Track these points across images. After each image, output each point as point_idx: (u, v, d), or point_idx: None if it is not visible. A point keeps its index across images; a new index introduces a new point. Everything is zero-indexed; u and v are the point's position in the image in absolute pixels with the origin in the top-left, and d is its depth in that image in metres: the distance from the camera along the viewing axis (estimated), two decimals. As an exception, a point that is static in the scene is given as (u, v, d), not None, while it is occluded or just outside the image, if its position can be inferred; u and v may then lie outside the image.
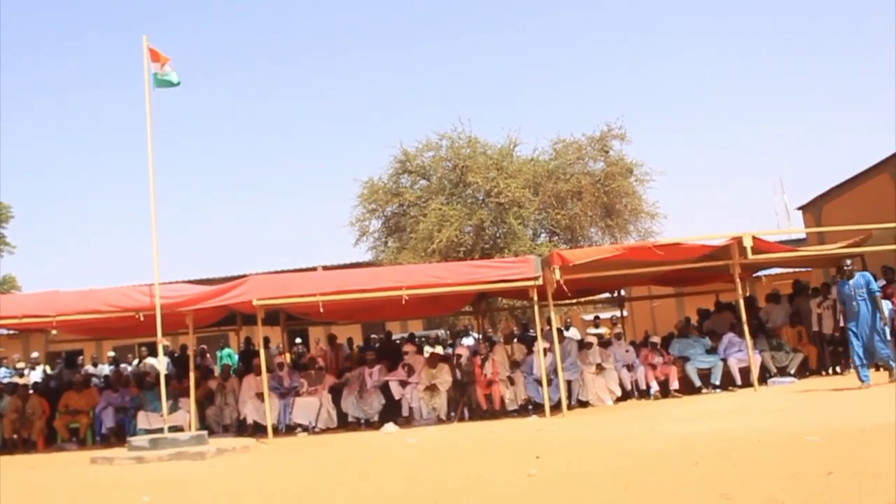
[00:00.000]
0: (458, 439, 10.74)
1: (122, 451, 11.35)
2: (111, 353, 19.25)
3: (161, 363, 13.44)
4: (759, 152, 70.58)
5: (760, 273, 18.51)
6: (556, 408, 12.89)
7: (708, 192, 70.37)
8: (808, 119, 71.38)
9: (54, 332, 13.91)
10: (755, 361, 13.44)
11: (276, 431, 13.12)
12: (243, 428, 13.70)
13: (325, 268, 25.59)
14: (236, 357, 18.26)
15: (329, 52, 75.22)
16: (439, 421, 13.39)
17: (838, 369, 14.61)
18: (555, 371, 13.14)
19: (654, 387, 14.17)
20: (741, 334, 13.60)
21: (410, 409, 13.68)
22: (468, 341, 18.52)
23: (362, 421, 13.72)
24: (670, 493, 5.69)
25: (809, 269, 20.59)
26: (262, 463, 9.99)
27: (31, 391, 14.90)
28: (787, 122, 71.39)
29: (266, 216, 70.77)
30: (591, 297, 19.91)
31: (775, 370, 14.16)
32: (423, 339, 20.91)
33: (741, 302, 13.44)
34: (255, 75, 73.47)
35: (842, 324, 12.53)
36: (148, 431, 12.98)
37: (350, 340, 18.68)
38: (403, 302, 12.92)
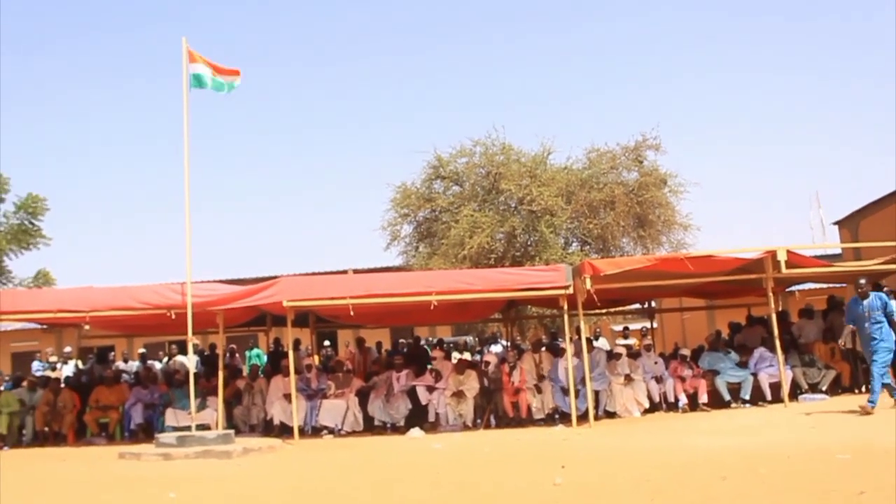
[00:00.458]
0: (484, 446, 10.72)
1: (149, 448, 11.45)
2: (142, 350, 19.44)
3: (191, 361, 13.55)
4: (796, 166, 69.87)
5: (794, 288, 18.31)
6: (583, 418, 12.80)
7: (742, 205, 69.75)
8: (846, 133, 70.59)
9: (87, 327, 14.07)
10: (786, 377, 13.28)
11: (303, 433, 13.15)
12: (270, 428, 13.76)
13: (356, 271, 25.68)
14: (265, 357, 18.36)
15: (366, 56, 75.63)
16: (465, 427, 13.36)
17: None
18: (583, 381, 13.07)
19: (683, 399, 14.03)
20: (773, 349, 13.44)
21: (437, 414, 13.66)
22: (496, 348, 18.46)
23: (388, 425, 13.72)
24: (697, 507, 5.63)
25: (844, 285, 20.31)
26: (287, 464, 10.02)
27: (62, 385, 15.07)
28: (824, 136, 70.63)
29: (298, 218, 71.20)
30: (621, 308, 19.78)
31: (807, 386, 13.96)
32: (451, 345, 20.90)
33: (773, 316, 13.28)
34: (292, 77, 74.04)
35: (846, 345, 12.44)
36: (176, 429, 13.08)
37: (379, 344, 18.72)
38: (433, 307, 12.91)
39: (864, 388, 14.47)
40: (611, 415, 13.68)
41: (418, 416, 13.69)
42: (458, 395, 13.54)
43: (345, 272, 25.53)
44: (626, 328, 20.46)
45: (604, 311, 18.18)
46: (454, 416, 13.51)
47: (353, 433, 13.50)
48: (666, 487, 6.55)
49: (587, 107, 71.18)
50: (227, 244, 65.41)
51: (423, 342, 19.53)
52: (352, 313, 13.05)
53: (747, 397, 13.77)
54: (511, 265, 18.93)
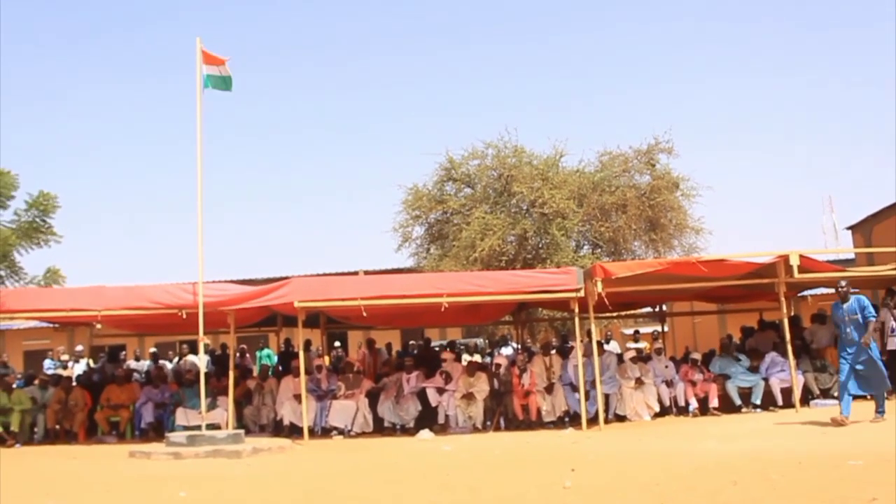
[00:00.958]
0: (494, 449, 10.71)
1: (159, 447, 11.48)
2: (153, 350, 19.51)
3: (201, 361, 13.58)
4: (809, 170, 69.60)
5: (806, 293, 18.21)
6: (592, 421, 12.78)
7: (755, 209, 69.48)
8: (859, 138, 70.27)
9: (99, 326, 14.13)
10: (798, 382, 13.22)
11: (312, 433, 13.17)
12: (280, 428, 13.78)
13: (367, 272, 25.71)
14: (275, 358, 18.39)
15: (379, 57, 75.73)
16: (475, 429, 13.35)
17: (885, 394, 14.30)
18: (593, 383, 13.04)
19: (693, 404, 13.98)
20: (784, 354, 13.38)
21: (446, 416, 13.66)
22: (507, 351, 18.44)
23: (398, 426, 13.72)
24: (707, 512, 5.61)
25: (857, 290, 20.22)
26: (297, 464, 10.04)
27: (74, 384, 15.13)
28: (838, 141, 70.34)
29: (310, 219, 71.33)
30: (632, 311, 19.74)
31: (818, 392, 13.90)
32: (461, 346, 20.88)
33: (785, 321, 13.23)
34: (304, 78, 74.20)
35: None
36: (186, 428, 13.10)
37: (389, 346, 18.71)
38: (443, 309, 12.91)
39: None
40: (621, 418, 13.65)
41: (428, 418, 13.69)
42: (468, 397, 13.53)
43: (356, 273, 25.58)
44: (636, 332, 20.42)
45: (615, 314, 18.14)
46: (464, 418, 13.50)
47: (362, 434, 13.51)
48: (676, 492, 6.53)
49: (600, 110, 71.14)
50: (238, 245, 65.60)
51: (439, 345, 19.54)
52: (364, 314, 13.07)
53: (758, 402, 13.72)
54: (522, 268, 18.91)
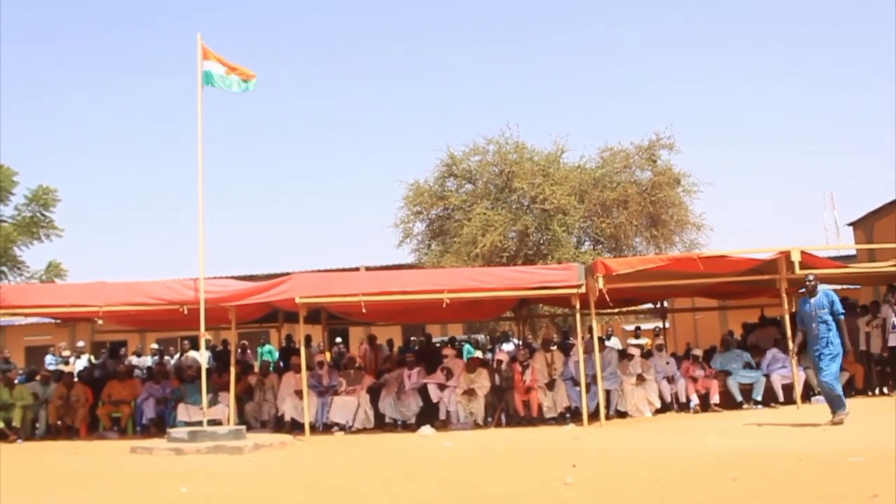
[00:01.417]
0: (495, 445, 10.71)
1: (161, 442, 11.49)
2: (154, 345, 19.53)
3: (203, 357, 13.59)
4: (810, 166, 69.53)
5: (807, 289, 18.18)
6: (594, 417, 12.79)
7: (756, 205, 69.46)
8: (861, 134, 70.20)
9: (100, 321, 14.11)
10: (799, 379, 13.21)
11: (314, 429, 13.18)
12: (281, 424, 13.79)
13: (368, 268, 25.72)
14: (277, 354, 18.41)
15: (380, 54, 75.69)
16: (476, 426, 13.36)
17: (885, 390, 14.32)
18: (594, 379, 13.05)
19: (695, 400, 14.00)
20: (785, 350, 13.38)
21: (448, 412, 13.66)
22: (508, 347, 18.45)
23: (399, 422, 13.73)
24: (708, 508, 5.61)
25: (858, 286, 20.21)
26: (298, 460, 10.04)
27: (75, 379, 15.15)
28: (839, 137, 70.26)
29: (311, 215, 71.34)
30: (633, 308, 19.75)
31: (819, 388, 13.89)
32: (462, 343, 20.89)
33: (787, 317, 13.22)
34: (305, 75, 74.17)
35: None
36: (187, 424, 13.11)
37: (391, 342, 18.72)
38: (444, 305, 12.91)
39: (877, 391, 14.42)
40: (622, 415, 13.67)
41: (429, 414, 13.71)
42: (470, 393, 13.54)
43: (357, 269, 25.59)
44: (637, 328, 20.41)
45: (616, 310, 18.13)
46: (465, 414, 13.51)
47: (363, 430, 13.53)
48: (676, 488, 6.52)
49: (601, 106, 71.07)
50: (239, 240, 65.67)
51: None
52: (364, 310, 13.06)
53: (759, 398, 13.72)
54: (523, 264, 18.92)
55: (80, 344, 19.76)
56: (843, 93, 68.98)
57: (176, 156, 72.89)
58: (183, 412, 13.74)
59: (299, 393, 13.36)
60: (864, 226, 24.75)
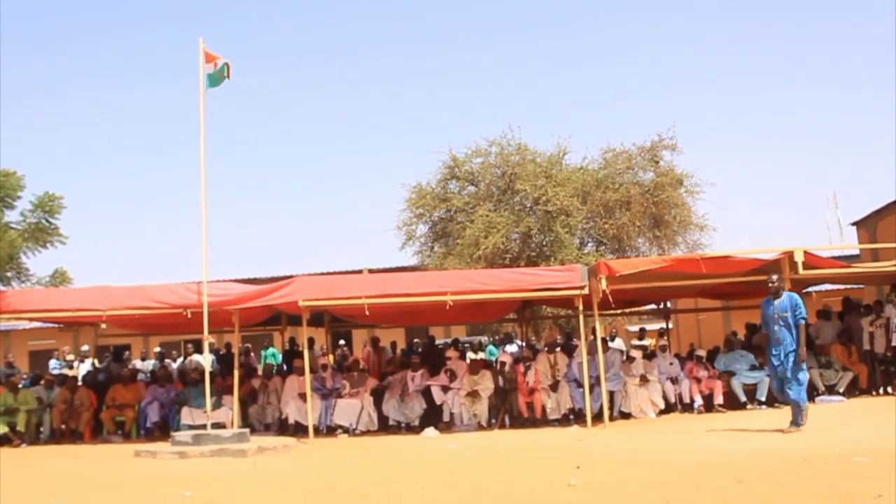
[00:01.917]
0: (499, 446, 10.71)
1: (165, 446, 11.50)
2: (158, 349, 19.53)
3: (206, 360, 13.59)
4: (813, 166, 69.46)
5: (811, 289, 18.20)
6: (597, 418, 12.78)
7: (759, 206, 69.39)
8: (864, 133, 70.12)
9: (104, 326, 14.13)
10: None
11: (317, 432, 13.17)
12: (285, 427, 13.79)
13: (371, 271, 25.71)
14: (280, 356, 18.40)
15: (381, 56, 75.72)
16: (480, 427, 13.35)
17: (889, 389, 14.29)
18: (597, 380, 13.04)
19: (698, 401, 13.97)
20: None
21: (451, 414, 13.66)
22: (511, 348, 18.45)
23: (403, 425, 13.72)
24: (712, 509, 5.61)
25: (862, 286, 20.18)
26: (302, 463, 10.05)
27: (79, 383, 15.15)
28: (842, 137, 70.18)
29: (313, 217, 71.37)
30: (636, 309, 19.73)
31: (823, 388, 13.87)
32: (466, 344, 20.88)
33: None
34: (307, 77, 74.21)
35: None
36: (191, 427, 13.12)
37: (394, 344, 18.71)
38: (448, 307, 12.90)
39: (881, 391, 14.39)
40: (626, 416, 13.65)
41: (433, 416, 13.70)
42: (473, 394, 13.53)
43: (360, 272, 25.59)
44: (642, 329, 20.36)
45: (619, 311, 18.11)
46: (469, 416, 13.50)
47: (367, 433, 13.52)
48: (681, 489, 6.52)
49: (603, 107, 71.05)
50: (242, 244, 65.67)
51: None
52: (367, 313, 13.06)
53: (763, 399, 13.69)
54: (526, 265, 18.91)
55: (85, 348, 19.76)
56: (847, 92, 68.96)
57: (179, 159, 73.00)
58: (187, 415, 13.73)
59: (303, 396, 13.36)
60: (868, 225, 24.72)
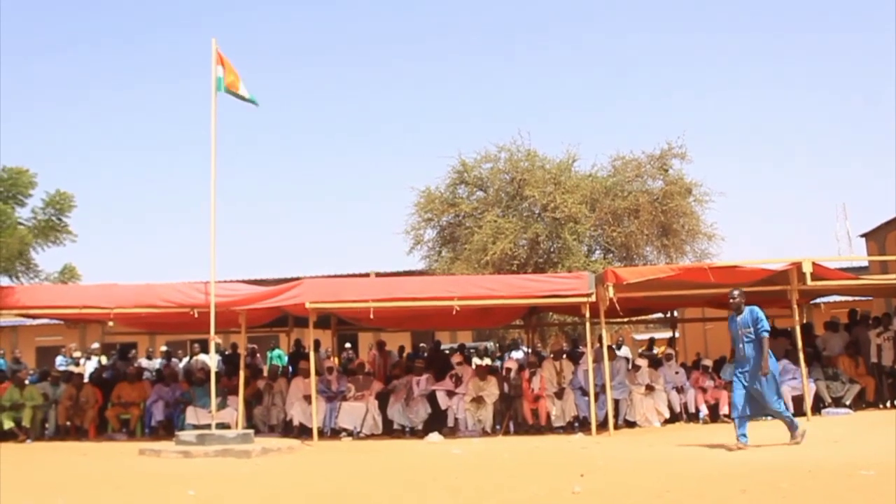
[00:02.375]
0: (503, 452, 10.69)
1: (169, 445, 11.51)
2: (164, 348, 19.58)
3: (212, 360, 13.62)
4: (823, 177, 69.28)
5: (819, 300, 18.15)
6: (602, 427, 12.75)
7: (768, 216, 69.22)
8: (874, 145, 69.91)
9: (111, 323, 14.19)
10: (809, 390, 13.15)
11: (322, 434, 13.18)
12: (289, 429, 13.79)
13: (378, 274, 25.73)
14: (286, 358, 18.42)
15: (391, 60, 75.83)
16: (484, 433, 13.34)
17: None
18: (603, 388, 13.01)
19: (704, 411, 13.94)
20: (796, 362, 13.31)
21: (456, 419, 13.65)
22: (517, 355, 18.43)
23: (407, 429, 13.72)
24: (716, 520, 5.59)
25: (870, 298, 20.10)
26: (306, 465, 10.05)
27: (85, 381, 15.19)
28: (852, 148, 69.99)
29: (322, 220, 71.45)
30: (643, 317, 19.68)
31: (830, 400, 13.82)
32: (471, 350, 20.86)
33: (798, 329, 13.16)
34: (317, 80, 74.36)
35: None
36: (196, 427, 13.14)
37: (402, 348, 18.70)
38: (454, 312, 12.90)
39: (889, 404, 14.33)
40: (631, 424, 13.62)
41: (437, 421, 13.69)
42: (478, 400, 13.52)
43: (367, 275, 25.61)
44: (651, 339, 20.17)
45: (625, 319, 18.07)
46: (473, 421, 13.49)
47: (371, 436, 13.52)
48: (685, 499, 6.50)
49: (613, 114, 71.03)
50: (251, 245, 65.78)
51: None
52: (373, 316, 13.07)
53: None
54: (534, 272, 18.90)
55: (95, 345, 19.83)
56: (858, 104, 68.75)
57: (189, 160, 73.19)
58: (191, 415, 13.75)
59: (308, 398, 13.36)
60: (877, 237, 24.66)
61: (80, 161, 68.16)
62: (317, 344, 14.88)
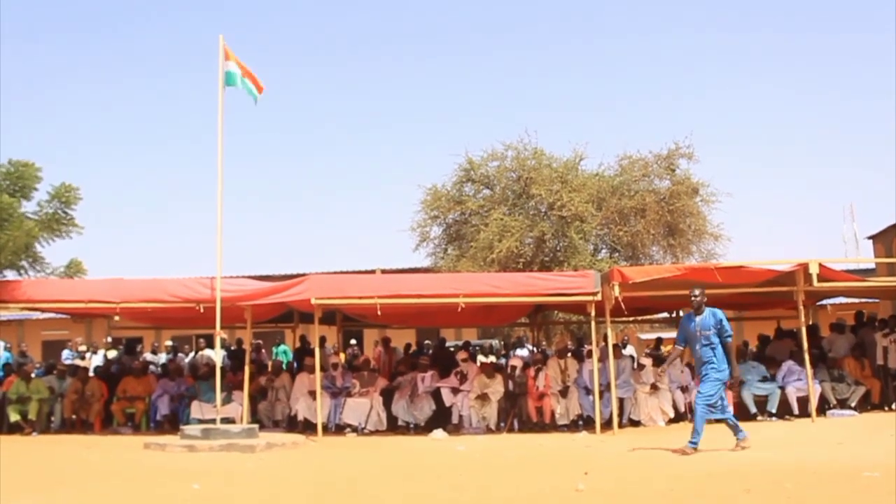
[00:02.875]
0: (507, 450, 10.71)
1: (174, 439, 11.55)
2: (169, 343, 19.62)
3: (218, 355, 13.65)
4: (831, 178, 69.07)
5: (825, 302, 18.12)
6: (606, 425, 12.75)
7: (775, 217, 69.06)
8: (882, 146, 69.71)
9: (117, 318, 14.24)
10: (814, 391, 13.13)
11: (326, 430, 13.19)
12: (294, 424, 13.81)
13: (384, 271, 25.74)
14: (291, 354, 18.45)
15: (398, 57, 75.83)
16: (488, 430, 13.35)
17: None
18: (608, 386, 13.00)
19: (709, 411, 13.90)
20: (801, 363, 13.29)
21: (460, 416, 13.66)
22: (522, 353, 18.42)
23: (411, 425, 13.74)
24: (720, 519, 5.59)
25: (877, 300, 20.07)
26: (310, 460, 10.07)
27: (91, 375, 15.24)
28: (860, 149, 69.80)
29: (328, 216, 71.47)
30: (648, 316, 19.65)
31: (835, 402, 13.80)
32: (476, 347, 20.86)
33: (803, 330, 13.14)
34: (325, 77, 74.37)
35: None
36: (201, 421, 13.17)
37: (408, 346, 18.70)
38: (459, 309, 12.91)
39: (894, 406, 14.30)
40: (635, 423, 13.61)
41: (442, 418, 13.69)
42: (483, 397, 13.53)
43: (373, 272, 25.62)
44: (659, 338, 20.04)
45: (630, 319, 18.05)
46: (478, 418, 13.50)
47: (376, 432, 13.53)
48: (689, 498, 6.50)
49: (620, 113, 70.88)
50: (257, 241, 65.84)
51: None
52: (379, 313, 13.08)
53: (774, 410, 13.62)
54: (539, 270, 18.89)
55: (109, 339, 19.91)
56: (867, 104, 68.56)
57: (196, 155, 73.24)
58: (196, 410, 13.78)
59: (313, 393, 13.39)
60: (884, 239, 24.61)
61: (87, 155, 68.30)
62: (322, 340, 14.89)
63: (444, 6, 73.07)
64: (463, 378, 13.99)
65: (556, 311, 19.26)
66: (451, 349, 18.48)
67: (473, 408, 13.53)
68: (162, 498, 7.27)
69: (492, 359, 18.24)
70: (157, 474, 8.71)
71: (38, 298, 13.75)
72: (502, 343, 23.95)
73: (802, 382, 13.39)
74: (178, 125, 70.63)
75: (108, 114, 69.77)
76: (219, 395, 12.47)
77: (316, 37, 75.42)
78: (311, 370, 13.57)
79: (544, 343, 20.44)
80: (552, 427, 13.37)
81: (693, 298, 9.83)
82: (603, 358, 13.36)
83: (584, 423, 13.39)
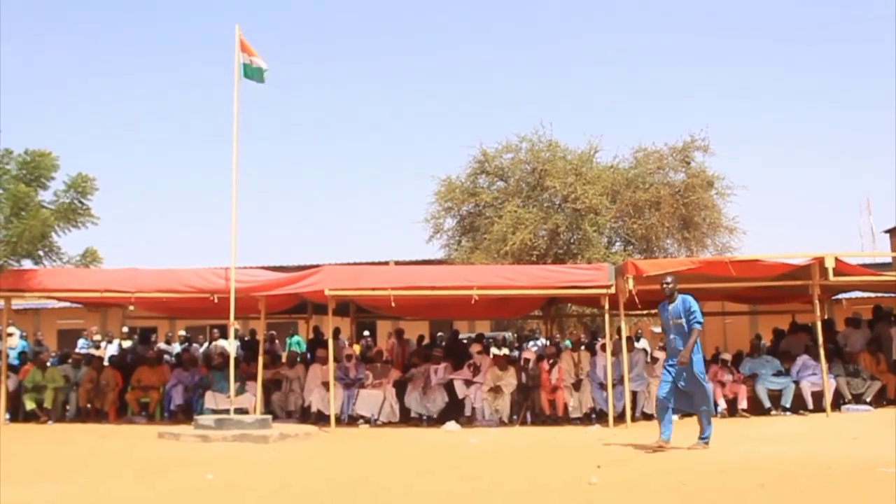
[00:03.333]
0: (520, 443, 10.72)
1: (188, 429, 11.61)
2: (183, 333, 19.68)
3: (231, 346, 13.70)
4: (847, 171, 68.59)
5: (841, 296, 17.99)
6: (619, 418, 12.73)
7: (790, 210, 68.67)
8: (900, 141, 69.06)
9: (132, 307, 14.32)
10: (829, 386, 13.06)
11: (339, 421, 13.22)
12: (307, 415, 13.86)
13: (398, 262, 25.74)
14: (304, 345, 18.50)
15: (414, 49, 75.72)
16: (501, 423, 13.35)
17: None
18: (621, 380, 12.98)
19: (722, 405, 13.86)
20: (816, 357, 13.23)
21: (473, 409, 13.66)
22: (536, 345, 18.40)
23: (424, 417, 13.75)
24: (733, 514, 5.57)
25: (893, 294, 19.92)
26: (323, 451, 10.10)
27: (106, 364, 15.33)
28: (877, 142, 69.27)
29: (342, 208, 71.49)
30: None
31: (850, 397, 13.74)
32: (490, 340, 20.86)
33: (819, 324, 13.07)
34: (340, 68, 74.35)
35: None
36: (214, 411, 13.23)
37: (421, 338, 18.72)
38: (473, 302, 12.90)
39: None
40: (648, 417, 13.57)
41: (454, 410, 13.70)
42: (496, 390, 13.52)
43: (387, 263, 25.62)
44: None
45: (644, 312, 18.00)
46: (490, 411, 13.50)
47: (388, 424, 13.56)
48: (702, 491, 6.49)
49: (635, 106, 70.55)
50: (271, 231, 65.93)
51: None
52: (393, 304, 13.09)
53: (788, 405, 13.58)
54: (553, 262, 18.83)
55: (125, 329, 20.01)
56: (884, 96, 68.03)
57: (212, 146, 73.33)
58: (210, 400, 13.85)
59: (326, 385, 13.42)
60: (901, 234, 24.42)
61: (103, 145, 68.54)
62: (336, 331, 14.89)
63: (460, 1, 72.92)
64: (476, 370, 13.99)
65: (569, 304, 19.22)
66: (465, 341, 18.48)
67: (486, 400, 13.53)
68: (175, 487, 7.31)
69: (505, 351, 18.24)
70: (171, 464, 8.76)
71: (53, 287, 13.82)
72: (515, 336, 23.93)
73: (817, 377, 13.34)
74: (195, 116, 70.79)
75: (126, 104, 69.98)
76: (232, 386, 12.52)
77: (332, 30, 75.43)
78: (325, 361, 13.60)
79: (558, 336, 20.42)
80: (565, 420, 13.36)
81: (665, 286, 9.66)
82: (616, 351, 13.33)
83: (596, 416, 13.37)
